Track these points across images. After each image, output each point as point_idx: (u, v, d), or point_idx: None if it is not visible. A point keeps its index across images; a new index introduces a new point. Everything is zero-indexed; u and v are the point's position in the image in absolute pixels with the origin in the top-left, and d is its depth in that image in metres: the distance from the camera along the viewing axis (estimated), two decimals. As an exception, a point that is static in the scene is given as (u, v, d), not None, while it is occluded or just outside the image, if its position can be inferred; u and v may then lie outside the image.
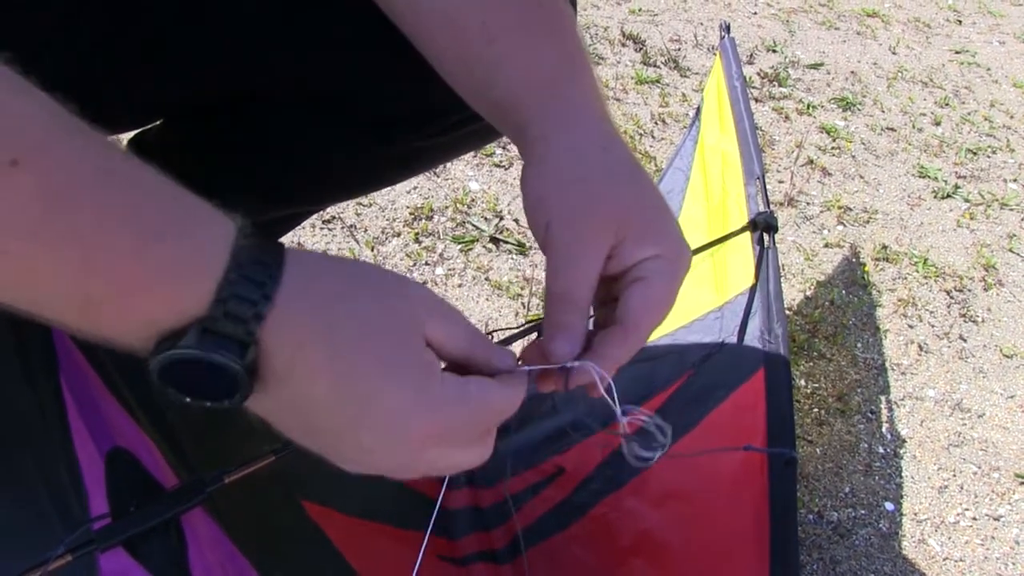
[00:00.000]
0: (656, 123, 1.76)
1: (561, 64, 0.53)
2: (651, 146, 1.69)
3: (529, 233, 1.39)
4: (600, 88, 0.53)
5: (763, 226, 1.03)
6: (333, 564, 0.69)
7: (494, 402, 0.42)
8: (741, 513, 0.82)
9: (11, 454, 0.62)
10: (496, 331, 1.20)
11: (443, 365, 0.44)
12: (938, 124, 1.97)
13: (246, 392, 0.38)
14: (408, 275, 1.26)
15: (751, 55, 2.08)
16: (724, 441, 0.87)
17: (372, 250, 1.28)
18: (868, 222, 1.60)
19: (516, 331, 0.74)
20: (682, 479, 0.88)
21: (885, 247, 1.53)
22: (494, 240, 1.34)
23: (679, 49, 2.02)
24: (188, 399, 0.39)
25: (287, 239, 1.24)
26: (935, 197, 1.72)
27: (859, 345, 1.32)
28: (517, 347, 1.01)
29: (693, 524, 0.85)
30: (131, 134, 0.87)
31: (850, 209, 1.63)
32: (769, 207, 1.06)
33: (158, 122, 0.83)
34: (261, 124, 0.75)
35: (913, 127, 1.94)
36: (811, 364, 1.26)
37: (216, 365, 0.37)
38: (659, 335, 1.04)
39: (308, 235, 1.28)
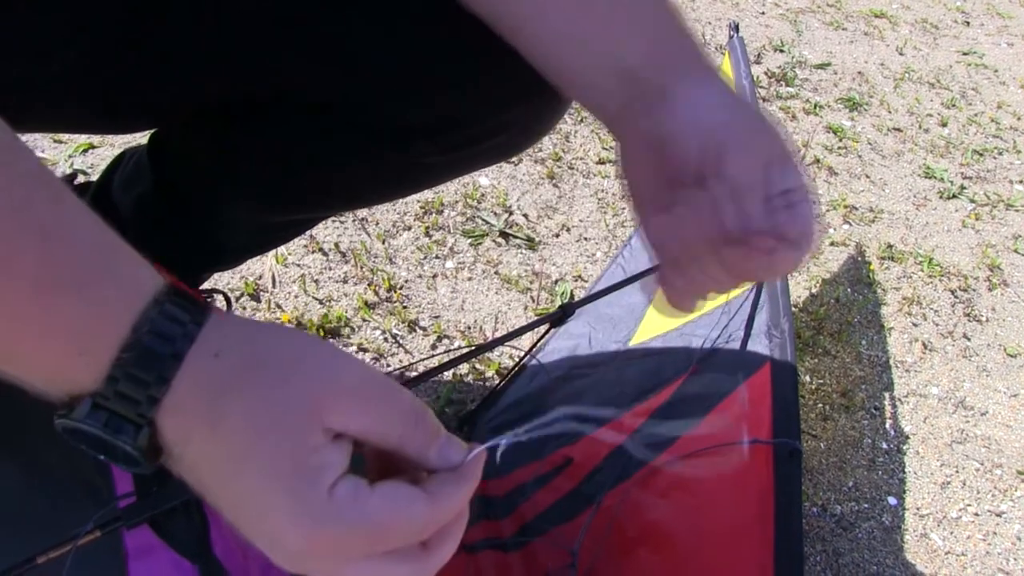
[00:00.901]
0: (664, 121, 1.77)
1: (679, 28, 0.52)
2: (659, 144, 1.70)
3: (538, 228, 1.40)
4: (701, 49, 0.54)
5: (770, 223, 1.04)
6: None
7: (402, 516, 0.36)
8: (746, 504, 0.84)
9: (39, 439, 0.64)
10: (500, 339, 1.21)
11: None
12: (945, 125, 1.99)
13: (148, 465, 0.36)
14: (418, 268, 1.27)
15: (759, 55, 2.09)
16: (730, 433, 0.89)
17: (383, 243, 1.29)
18: (874, 221, 1.61)
19: (520, 330, 0.75)
20: (688, 471, 0.89)
21: (890, 246, 1.55)
22: (504, 235, 1.35)
23: (687, 48, 2.03)
24: (102, 458, 0.37)
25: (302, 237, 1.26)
26: (941, 197, 1.73)
27: (864, 342, 1.33)
28: (527, 340, 1.01)
29: (699, 515, 0.86)
30: (126, 136, 0.87)
31: (856, 208, 1.64)
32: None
33: (175, 122, 0.84)
34: (277, 129, 0.76)
35: (919, 128, 1.95)
36: (816, 360, 1.28)
37: (106, 441, 0.35)
38: (666, 329, 1.05)
39: (320, 228, 1.29)
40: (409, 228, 1.34)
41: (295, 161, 0.77)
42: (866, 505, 1.07)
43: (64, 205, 0.34)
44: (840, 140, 1.83)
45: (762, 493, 0.83)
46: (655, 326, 1.07)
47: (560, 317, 0.80)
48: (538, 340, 0.98)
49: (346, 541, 0.36)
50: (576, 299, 1.11)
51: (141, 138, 0.89)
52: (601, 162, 1.62)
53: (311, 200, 0.86)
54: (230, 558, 0.61)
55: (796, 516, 0.80)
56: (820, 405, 1.21)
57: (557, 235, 1.41)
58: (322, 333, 1.14)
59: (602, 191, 1.55)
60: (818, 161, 1.74)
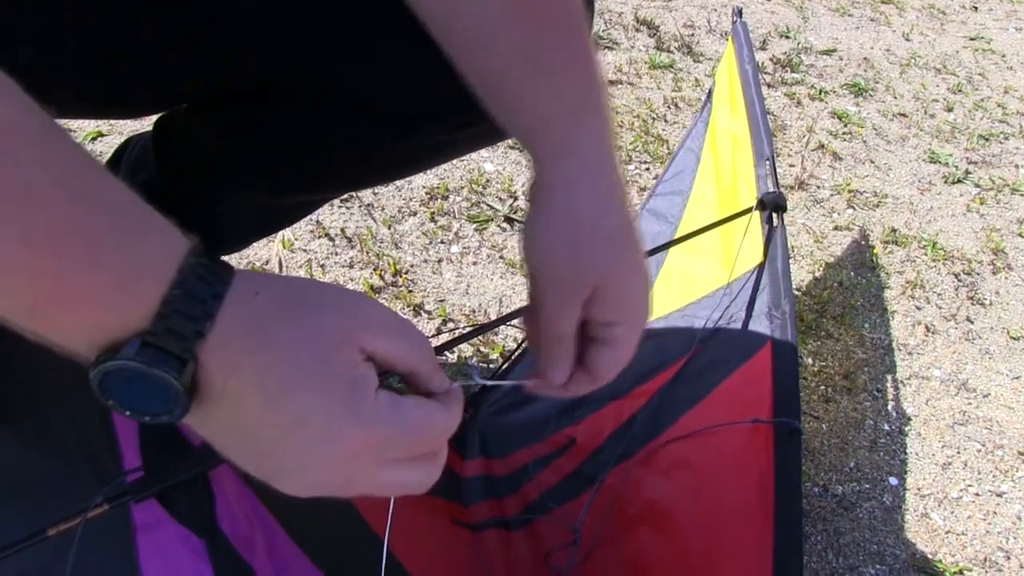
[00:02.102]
0: (669, 107, 1.78)
1: (578, 102, 0.55)
2: (663, 130, 1.70)
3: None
4: (610, 124, 0.57)
5: (772, 205, 1.05)
6: (352, 522, 0.72)
7: (430, 421, 0.42)
8: (747, 483, 0.85)
9: (48, 415, 0.65)
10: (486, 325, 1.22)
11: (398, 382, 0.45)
12: (950, 110, 1.98)
13: (184, 409, 0.39)
14: (424, 253, 1.28)
15: (764, 41, 2.09)
16: (731, 413, 0.90)
17: (389, 228, 1.30)
18: (878, 206, 1.62)
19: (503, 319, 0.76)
20: (689, 451, 0.90)
21: (894, 230, 1.55)
22: (508, 220, 1.36)
23: (692, 35, 2.03)
24: (128, 413, 0.39)
25: (306, 220, 1.27)
26: (945, 182, 1.73)
27: (867, 325, 1.34)
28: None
29: (700, 494, 0.87)
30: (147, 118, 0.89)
31: (860, 193, 1.64)
32: (778, 188, 1.08)
33: (182, 106, 0.85)
34: (282, 113, 0.76)
35: (925, 113, 1.95)
36: (819, 343, 1.28)
37: (154, 379, 0.37)
38: (669, 311, 1.06)
39: (327, 214, 1.30)
40: (415, 213, 1.35)
41: (300, 147, 0.78)
42: (867, 485, 1.08)
43: (106, 176, 0.37)
44: (845, 126, 1.83)
45: (762, 473, 0.84)
46: (658, 307, 1.08)
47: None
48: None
49: (391, 441, 0.41)
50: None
51: (148, 124, 0.90)
52: (606, 148, 1.62)
53: (316, 184, 0.87)
54: (236, 531, 0.62)
55: (796, 495, 0.81)
56: (822, 387, 1.21)
57: (562, 220, 1.42)
58: (328, 316, 1.16)
59: (607, 177, 1.55)
60: (823, 147, 1.74)
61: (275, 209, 0.93)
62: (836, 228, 1.53)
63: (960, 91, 2.07)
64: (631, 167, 1.60)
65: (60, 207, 0.35)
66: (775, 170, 1.11)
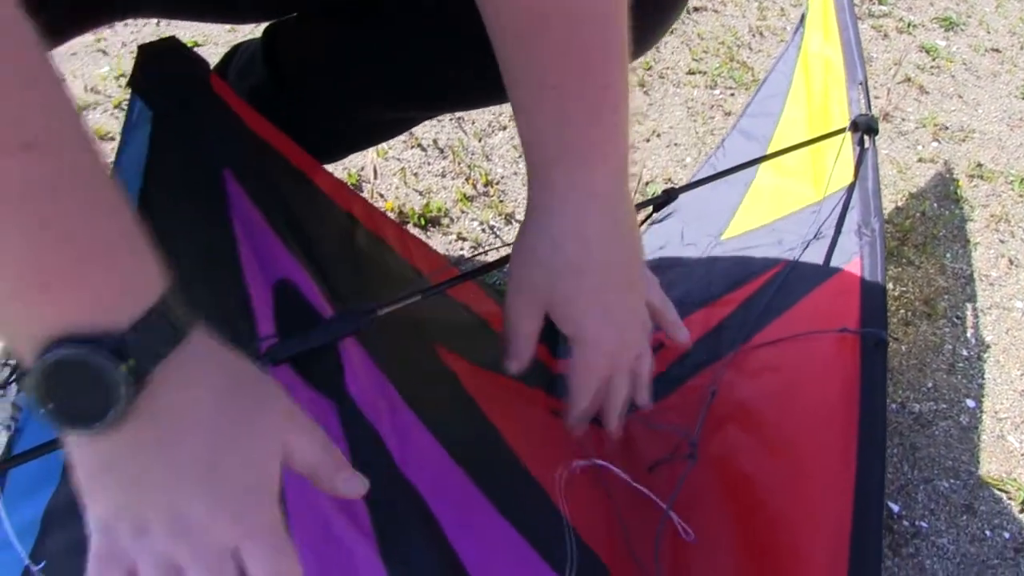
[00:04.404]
0: (754, 35, 1.77)
1: (587, 150, 0.57)
2: (748, 57, 1.70)
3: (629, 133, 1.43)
4: (619, 170, 0.59)
5: (864, 127, 1.06)
6: (464, 404, 0.77)
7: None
8: (832, 389, 0.87)
9: (188, 286, 0.70)
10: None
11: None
12: (1046, 46, 1.94)
13: (114, 421, 0.39)
14: (514, 166, 1.32)
15: (854, -29, 2.06)
16: (819, 323, 0.92)
17: (479, 141, 1.34)
18: (964, 140, 1.60)
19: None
20: (777, 356, 0.93)
21: (980, 165, 1.54)
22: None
23: (781, -38, 2.01)
24: (50, 408, 0.39)
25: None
26: (1036, 119, 1.71)
27: (948, 255, 1.34)
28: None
29: (786, 397, 0.90)
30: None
31: (946, 127, 1.63)
32: (871, 111, 1.09)
33: (291, 15, 0.87)
34: (388, 27, 0.78)
35: (1020, 48, 1.91)
36: (899, 270, 1.30)
37: (108, 381, 0.38)
38: (758, 225, 1.08)
39: (419, 125, 1.34)
40: (504, 128, 1.38)
41: (405, 63, 0.80)
42: (944, 405, 1.10)
43: (109, 178, 0.40)
44: (933, 60, 1.81)
45: (848, 380, 0.86)
46: (747, 222, 1.10)
47: (665, 200, 0.84)
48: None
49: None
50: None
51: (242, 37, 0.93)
52: (691, 72, 1.63)
53: (420, 99, 0.89)
54: (363, 398, 0.66)
55: (880, 401, 0.84)
56: (902, 311, 1.23)
57: (647, 140, 1.44)
58: (423, 222, 1.20)
59: (692, 100, 1.56)
60: (909, 80, 1.73)
61: (377, 122, 0.96)
62: (920, 160, 1.53)
63: (1055, 28, 2.02)
64: (716, 91, 1.60)
65: (84, 204, 0.37)
66: (868, 94, 1.11)
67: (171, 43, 0.75)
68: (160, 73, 0.73)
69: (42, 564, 0.65)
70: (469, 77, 0.79)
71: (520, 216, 1.24)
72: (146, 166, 0.72)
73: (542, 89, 0.56)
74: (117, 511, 0.43)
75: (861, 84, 1.11)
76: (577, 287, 0.61)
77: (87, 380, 0.38)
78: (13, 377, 0.95)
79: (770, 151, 1.19)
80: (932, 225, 1.39)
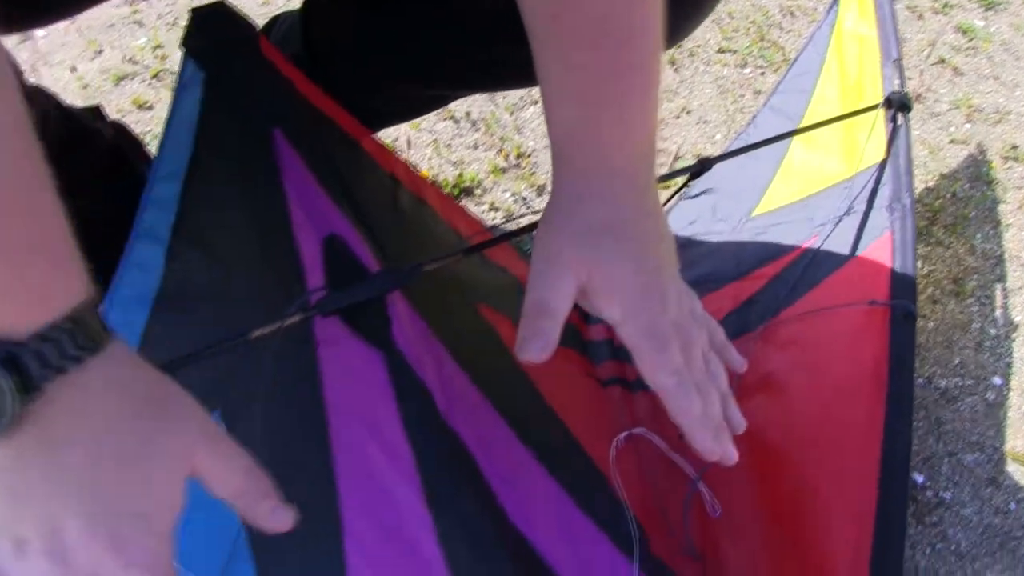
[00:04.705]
0: (784, 15, 1.77)
1: (617, 126, 0.55)
2: (779, 37, 1.70)
3: (660, 109, 1.44)
4: (641, 173, 0.58)
5: (898, 104, 1.07)
6: (504, 360, 0.79)
7: None
8: (861, 361, 0.88)
9: (241, 239, 0.73)
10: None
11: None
12: (1087, 29, 1.92)
13: (3, 426, 0.38)
14: (545, 139, 1.33)
15: (888, -48, 2.04)
16: (849, 296, 0.93)
17: (511, 115, 1.35)
18: (999, 122, 1.60)
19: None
20: (806, 329, 0.94)
21: (1015, 147, 1.54)
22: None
23: (815, -58, 2.00)
24: None
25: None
26: (1073, 103, 1.70)
27: (978, 236, 1.35)
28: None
29: (814, 369, 0.91)
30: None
31: (980, 109, 1.62)
32: (904, 88, 1.10)
33: None
34: (421, 9, 0.79)
35: (1059, 30, 1.89)
36: (928, 249, 1.30)
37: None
38: (789, 201, 1.10)
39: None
40: (536, 102, 1.39)
41: (440, 40, 0.81)
42: (971, 382, 1.11)
43: (57, 202, 0.40)
44: (970, 40, 1.80)
45: (876, 352, 0.87)
46: (778, 199, 1.11)
47: (700, 169, 0.86)
48: (667, 199, 1.03)
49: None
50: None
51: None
52: (721, 51, 1.64)
53: (450, 80, 0.90)
54: (409, 350, 0.69)
55: (908, 374, 0.85)
56: (930, 289, 1.24)
57: (677, 117, 1.45)
58: (457, 192, 1.22)
59: (722, 78, 1.57)
60: (943, 61, 1.72)
61: (413, 98, 0.97)
62: (952, 142, 1.53)
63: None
64: (746, 70, 1.61)
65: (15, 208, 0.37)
66: (902, 71, 1.12)
67: (221, 7, 0.77)
68: (212, 35, 0.75)
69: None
70: (499, 60, 0.80)
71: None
72: (198, 126, 0.74)
73: (568, 69, 0.55)
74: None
75: (895, 61, 1.11)
76: (619, 262, 0.56)
77: None
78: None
79: (801, 127, 1.20)
80: (963, 206, 1.39)
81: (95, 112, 0.97)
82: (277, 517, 0.46)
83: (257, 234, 0.71)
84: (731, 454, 0.57)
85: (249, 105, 0.74)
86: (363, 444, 0.65)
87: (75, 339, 0.39)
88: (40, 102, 0.83)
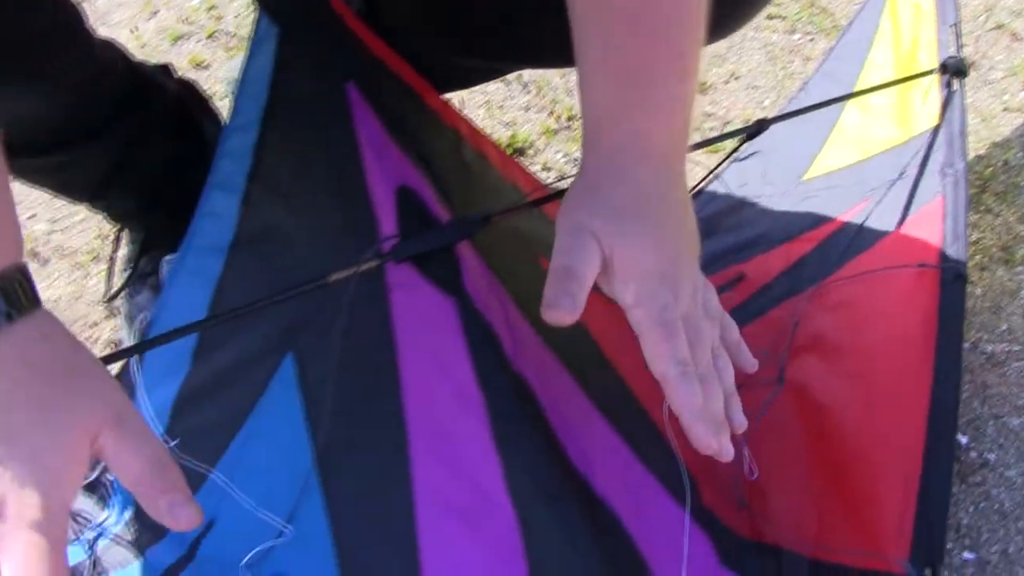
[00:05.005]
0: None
1: (650, 111, 0.55)
2: (828, 3, 1.69)
3: (708, 75, 1.45)
4: (671, 168, 0.57)
5: (953, 70, 1.07)
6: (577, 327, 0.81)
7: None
8: (910, 322, 0.90)
9: (315, 188, 0.75)
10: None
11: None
12: None
13: None
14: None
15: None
16: (899, 259, 0.95)
17: (562, 78, 1.37)
18: (1052, 91, 1.59)
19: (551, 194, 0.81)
20: (857, 291, 0.96)
21: (1069, 116, 1.53)
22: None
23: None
24: None
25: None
26: None
27: (1029, 204, 1.35)
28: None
29: (864, 330, 0.93)
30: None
31: (1035, 77, 1.61)
32: (960, 53, 1.10)
33: None
34: None
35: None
36: (978, 216, 1.31)
37: None
38: (842, 166, 1.11)
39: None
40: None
41: (488, 16, 0.83)
42: (1017, 347, 1.12)
43: None
44: (1027, 6, 1.78)
45: (926, 313, 0.89)
46: (830, 163, 1.12)
47: (756, 130, 0.87)
48: (720, 164, 1.05)
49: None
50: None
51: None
52: (770, 17, 1.63)
53: (502, 56, 0.92)
54: (478, 296, 0.71)
55: (956, 335, 0.87)
56: (979, 256, 1.24)
57: (727, 82, 1.46)
58: (510, 151, 1.24)
59: (771, 45, 1.57)
60: (1000, 27, 1.70)
61: (467, 68, 0.99)
62: (1006, 110, 1.52)
63: None
64: (795, 36, 1.61)
65: None
66: (959, 36, 1.12)
67: None
68: (284, -9, 0.77)
69: (175, 442, 0.71)
70: (550, 35, 0.81)
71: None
72: (272, 78, 0.76)
73: (606, 50, 0.55)
74: None
75: (953, 26, 1.11)
76: (640, 244, 0.56)
77: None
78: (129, 279, 1.01)
79: (856, 92, 1.20)
80: (1015, 174, 1.39)
81: (163, 70, 1.00)
82: (176, 514, 0.44)
83: (331, 183, 0.73)
84: (727, 451, 0.56)
85: (322, 59, 0.77)
86: (434, 386, 0.68)
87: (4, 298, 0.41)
88: (107, 55, 0.86)
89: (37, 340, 0.43)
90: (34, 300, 0.43)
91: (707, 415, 0.55)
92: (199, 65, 1.41)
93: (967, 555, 0.92)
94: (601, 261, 0.56)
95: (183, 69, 1.39)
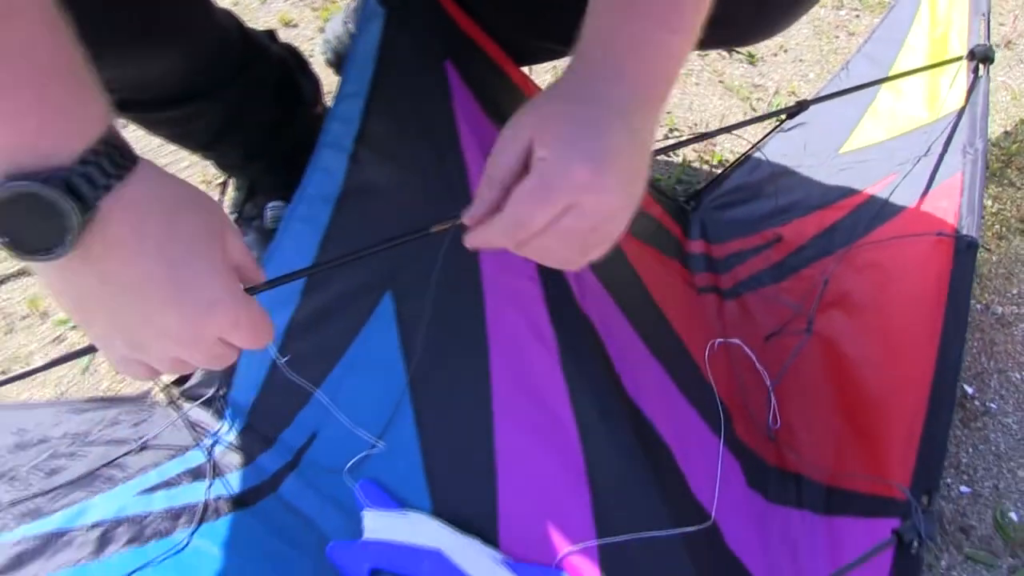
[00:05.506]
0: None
1: (636, 54, 0.55)
2: (876, -21, 1.78)
3: (758, 46, 1.55)
4: (659, 88, 0.57)
5: (980, 56, 1.17)
6: (623, 266, 0.93)
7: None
8: (925, 283, 1.01)
9: (415, 151, 0.87)
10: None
11: None
12: None
13: (68, 247, 0.43)
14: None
15: None
16: (920, 227, 1.06)
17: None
18: (1081, 71, 1.67)
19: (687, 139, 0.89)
20: (881, 254, 1.07)
21: (1094, 96, 1.61)
22: (729, 50, 1.51)
23: None
24: (12, 245, 0.43)
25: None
26: None
27: (1050, 180, 1.44)
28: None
29: (886, 288, 1.04)
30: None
31: (1064, 56, 1.69)
32: (989, 42, 1.19)
33: None
34: None
35: None
36: (1000, 189, 1.41)
37: (56, 208, 0.41)
38: (874, 142, 1.21)
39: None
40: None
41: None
42: (1026, 311, 1.24)
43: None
44: (1063, -11, 1.85)
45: (940, 277, 1.00)
46: (864, 139, 1.23)
47: (797, 110, 0.98)
48: (765, 135, 1.16)
49: (248, 319, 0.50)
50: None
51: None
52: (819, -8, 1.72)
53: (557, 38, 1.00)
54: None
55: (964, 296, 0.97)
56: (997, 226, 1.35)
57: (775, 55, 1.56)
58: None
59: (818, 19, 1.66)
60: (1034, 8, 1.78)
61: (525, 47, 1.06)
62: (1034, 88, 1.61)
63: None
64: (842, 12, 1.70)
65: (39, 34, 0.41)
66: (989, 26, 1.21)
67: None
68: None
69: (287, 358, 0.84)
70: None
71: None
72: (378, 52, 0.88)
73: (611, 10, 0.57)
74: (109, 331, 0.50)
75: (983, 15, 1.21)
76: (563, 119, 0.54)
77: (40, 212, 0.41)
78: (236, 223, 1.14)
79: (890, 76, 1.30)
80: (1039, 151, 1.48)
81: (270, 35, 1.12)
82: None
83: (430, 148, 0.86)
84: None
85: (424, 37, 0.88)
86: (513, 323, 0.81)
87: (112, 159, 0.44)
88: (226, 22, 0.96)
89: (157, 183, 0.47)
90: (132, 156, 0.46)
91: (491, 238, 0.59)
92: (288, 24, 1.53)
93: (963, 488, 1.05)
94: (524, 149, 0.55)
95: (272, 27, 1.51)
